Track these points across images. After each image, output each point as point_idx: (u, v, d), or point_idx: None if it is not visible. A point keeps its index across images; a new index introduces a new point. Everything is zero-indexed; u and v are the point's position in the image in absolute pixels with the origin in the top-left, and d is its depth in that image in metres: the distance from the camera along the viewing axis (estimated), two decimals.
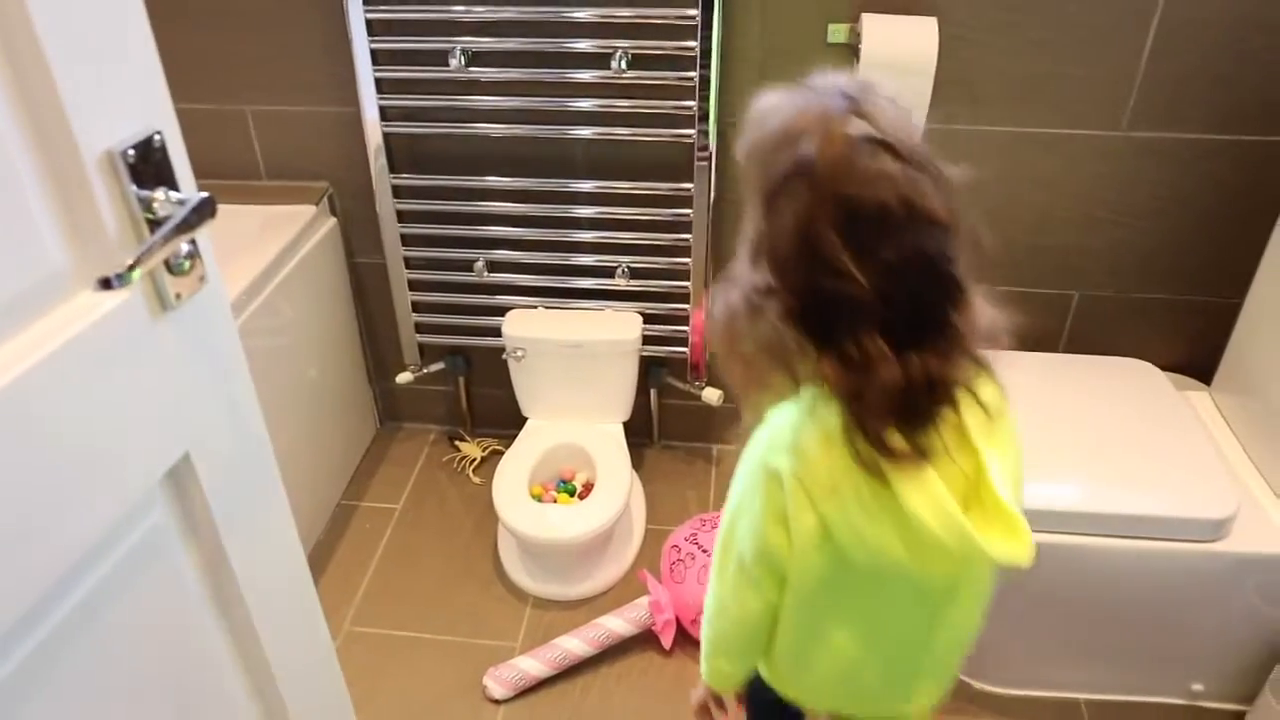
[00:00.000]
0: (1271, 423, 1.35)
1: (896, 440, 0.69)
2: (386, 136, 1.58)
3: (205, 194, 0.60)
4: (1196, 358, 1.66)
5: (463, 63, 1.49)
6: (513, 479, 1.60)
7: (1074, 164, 1.54)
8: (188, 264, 0.63)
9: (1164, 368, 1.53)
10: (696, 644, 1.41)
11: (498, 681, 1.46)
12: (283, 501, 0.80)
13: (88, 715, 0.62)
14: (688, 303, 1.68)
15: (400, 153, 1.63)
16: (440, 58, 1.51)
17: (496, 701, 1.46)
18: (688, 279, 1.66)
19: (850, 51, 1.47)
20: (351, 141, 1.63)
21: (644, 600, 1.51)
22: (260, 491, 0.77)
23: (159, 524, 0.67)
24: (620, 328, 1.65)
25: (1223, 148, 1.50)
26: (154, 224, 0.59)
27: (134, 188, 0.58)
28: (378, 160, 1.60)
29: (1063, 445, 1.32)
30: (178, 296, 0.63)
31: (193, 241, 0.63)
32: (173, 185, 0.61)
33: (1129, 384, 1.45)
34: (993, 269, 1.73)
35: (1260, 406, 1.38)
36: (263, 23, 1.54)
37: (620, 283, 1.67)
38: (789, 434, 0.75)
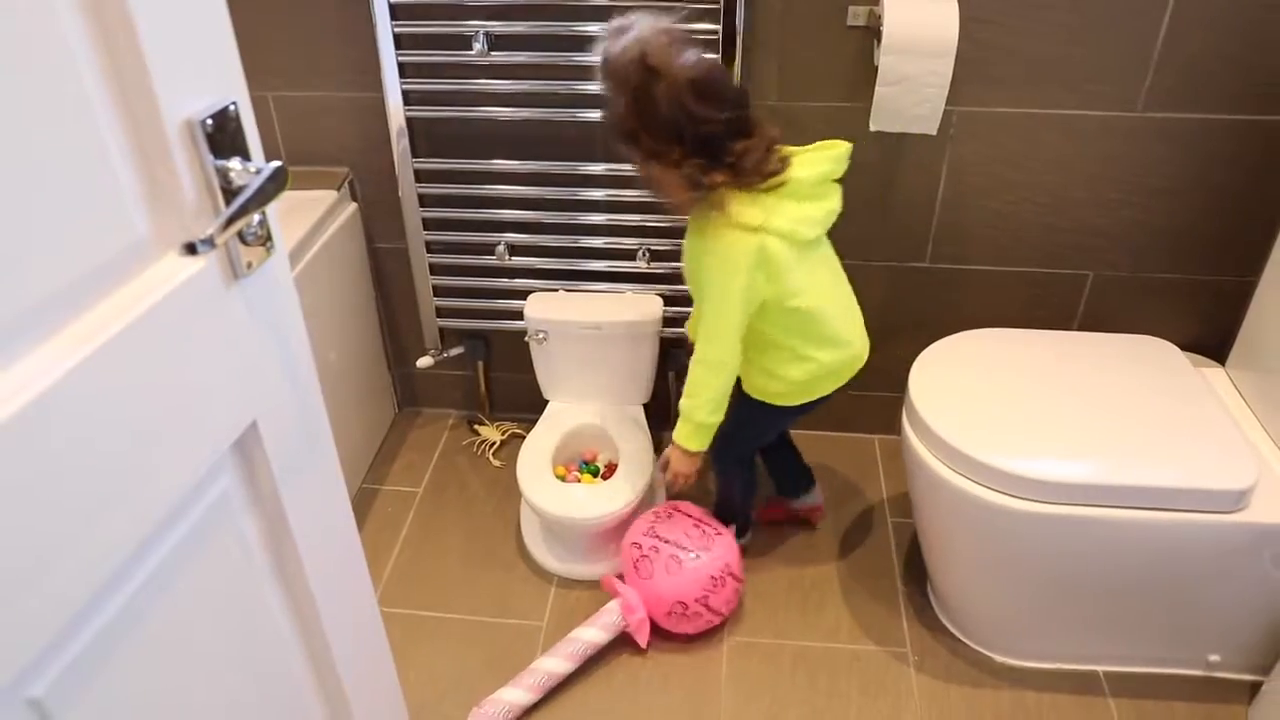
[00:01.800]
0: None
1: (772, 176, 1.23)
2: (408, 120, 1.59)
3: (278, 163, 0.61)
4: (1211, 337, 1.68)
5: (485, 47, 1.50)
6: (536, 459, 1.62)
7: (1090, 145, 1.56)
8: (259, 232, 0.64)
9: (1178, 347, 1.55)
10: (673, 639, 1.50)
11: (480, 716, 1.39)
12: (337, 471, 0.82)
13: (163, 679, 0.63)
14: None
15: (420, 137, 1.64)
16: (463, 41, 1.52)
17: None
18: None
19: (871, 34, 1.49)
20: (373, 126, 1.64)
21: (614, 604, 1.48)
22: (318, 460, 0.78)
23: (227, 491, 0.69)
24: (641, 309, 1.66)
25: (1238, 128, 1.51)
26: (228, 193, 0.61)
27: (211, 157, 0.59)
28: (400, 144, 1.61)
29: (1081, 419, 1.34)
30: (249, 265, 0.64)
31: (263, 210, 0.64)
32: (245, 155, 0.62)
33: (1146, 360, 1.47)
34: (1008, 250, 1.75)
35: (1276, 382, 1.40)
36: (286, 8, 1.55)
37: (641, 265, 1.68)
38: (728, 226, 1.22)
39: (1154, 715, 1.42)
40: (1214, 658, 1.45)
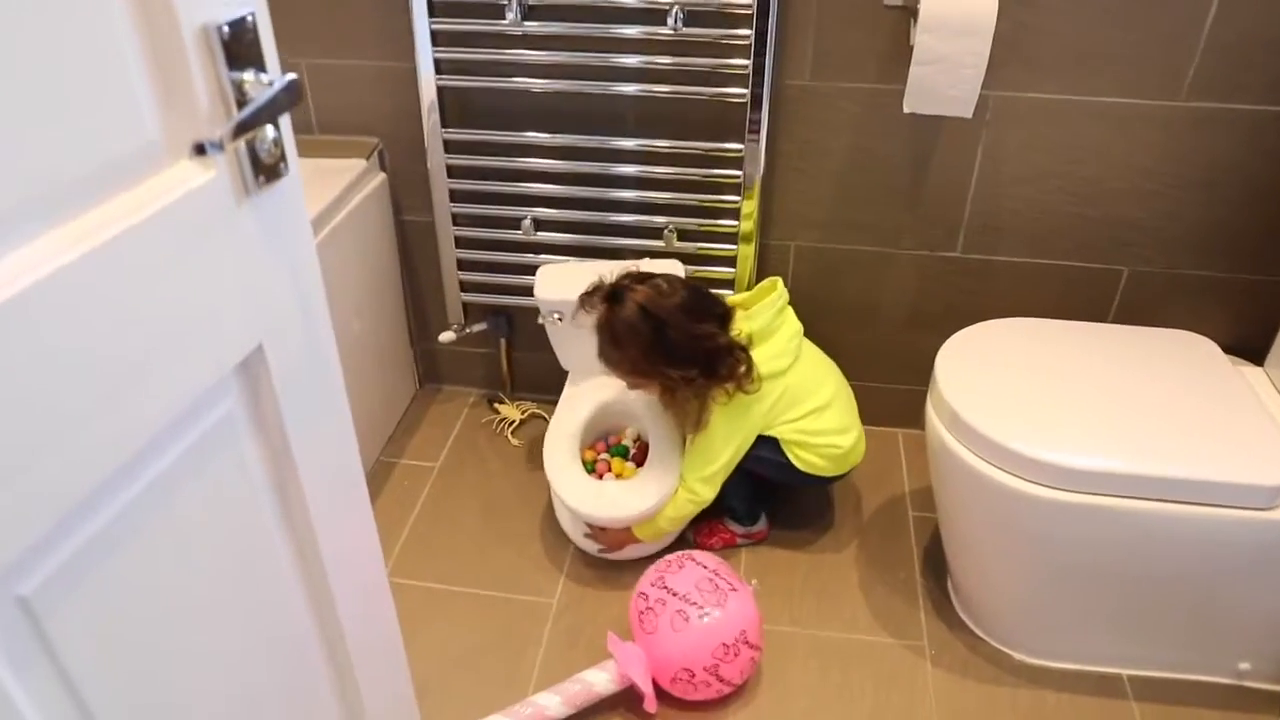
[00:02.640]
0: None
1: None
2: (439, 90, 1.59)
3: (292, 75, 0.61)
4: (1252, 338, 1.62)
5: (518, 16, 1.50)
6: (563, 450, 1.57)
7: (1128, 134, 1.52)
8: (272, 149, 0.64)
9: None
10: (679, 704, 1.37)
11: None
12: (344, 407, 0.81)
13: (156, 597, 0.63)
14: (734, 265, 1.68)
15: (450, 107, 1.64)
16: (496, 11, 1.52)
17: None
18: (735, 241, 1.66)
19: (908, 14, 1.46)
20: (404, 96, 1.64)
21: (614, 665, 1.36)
22: (325, 393, 0.78)
23: (231, 413, 0.68)
24: None
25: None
26: (242, 105, 0.60)
27: (226, 66, 0.59)
28: (430, 115, 1.61)
29: (1111, 410, 1.30)
30: (261, 180, 0.64)
31: (277, 127, 0.64)
32: (261, 68, 0.62)
33: (1181, 355, 1.43)
34: (1041, 242, 1.71)
35: None
36: None
37: (666, 243, 1.67)
38: (752, 398, 1.44)
39: None
40: (1244, 666, 1.40)
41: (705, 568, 1.39)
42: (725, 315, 1.43)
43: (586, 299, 1.42)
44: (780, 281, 1.50)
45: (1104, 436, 1.25)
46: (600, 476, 1.60)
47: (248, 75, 0.60)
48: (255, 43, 0.61)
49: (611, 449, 1.68)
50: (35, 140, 0.48)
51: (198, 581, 0.67)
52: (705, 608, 1.32)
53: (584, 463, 1.60)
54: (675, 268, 1.66)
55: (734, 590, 1.35)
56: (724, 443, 1.47)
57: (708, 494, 1.50)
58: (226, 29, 0.58)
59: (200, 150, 0.55)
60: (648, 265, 1.66)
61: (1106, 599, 1.35)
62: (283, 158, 0.65)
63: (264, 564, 0.75)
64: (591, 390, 1.68)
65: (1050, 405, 1.31)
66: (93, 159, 0.53)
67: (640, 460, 1.62)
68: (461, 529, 1.69)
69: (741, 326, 1.44)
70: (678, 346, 1.37)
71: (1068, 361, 1.41)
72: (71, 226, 0.52)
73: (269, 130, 0.63)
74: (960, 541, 1.45)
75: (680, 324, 1.36)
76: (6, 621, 0.51)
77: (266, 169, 0.64)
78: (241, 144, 0.61)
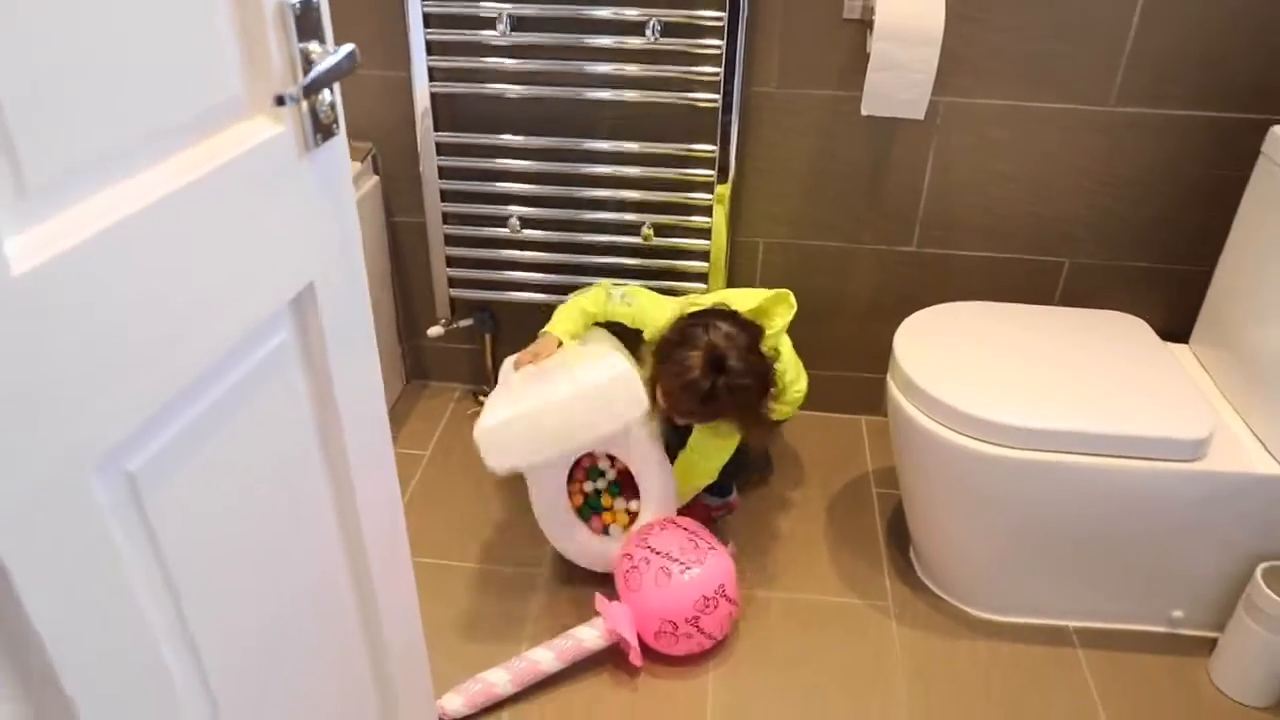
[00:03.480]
0: (1242, 369, 1.47)
1: None
2: (433, 97, 1.71)
3: (351, 46, 0.72)
4: (1181, 323, 1.78)
5: (508, 28, 1.62)
6: (559, 520, 1.56)
7: (1067, 137, 1.68)
8: (329, 111, 0.74)
9: None
10: (663, 659, 1.45)
11: (459, 693, 1.39)
12: (374, 350, 0.91)
13: (226, 489, 0.72)
14: (707, 259, 1.80)
15: (441, 112, 1.75)
16: (487, 22, 1.64)
17: None
18: (708, 238, 1.78)
19: (865, 26, 1.61)
20: (398, 103, 1.75)
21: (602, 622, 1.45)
22: (360, 334, 0.88)
23: (285, 343, 0.78)
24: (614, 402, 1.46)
25: (1200, 124, 1.64)
26: (309, 70, 0.71)
27: (297, 37, 0.70)
28: (424, 120, 1.72)
29: (1051, 377, 1.44)
30: (319, 138, 0.74)
31: (333, 91, 0.74)
32: (323, 40, 0.72)
33: (1115, 332, 1.57)
34: (990, 236, 1.86)
35: (1233, 356, 1.51)
36: None
37: (644, 239, 1.78)
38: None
39: (1121, 665, 1.50)
40: (1177, 614, 1.53)
41: (685, 530, 1.49)
42: (761, 336, 1.48)
43: (691, 382, 1.40)
44: (791, 295, 1.56)
45: (1044, 398, 1.39)
46: (603, 528, 1.61)
47: (313, 45, 0.71)
48: (319, 19, 0.72)
49: (589, 471, 1.63)
50: (151, 90, 0.59)
51: (256, 490, 0.76)
52: (687, 564, 1.42)
53: (576, 511, 1.59)
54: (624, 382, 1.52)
55: (713, 549, 1.46)
56: (726, 450, 1.60)
57: (704, 485, 1.65)
58: (298, 5, 0.69)
59: (280, 101, 0.66)
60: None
61: (1051, 553, 1.48)
62: (336, 119, 0.76)
63: (306, 481, 0.84)
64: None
65: (996, 373, 1.44)
66: (192, 108, 0.63)
67: (624, 477, 1.62)
68: (452, 510, 1.78)
69: (768, 342, 1.49)
70: (766, 377, 1.46)
71: (1013, 337, 1.55)
72: (174, 161, 0.62)
73: (326, 94, 0.74)
74: (919, 504, 1.57)
75: (761, 358, 1.45)
76: (118, 492, 0.60)
77: (324, 128, 0.75)
78: (305, 104, 0.72)
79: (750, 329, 1.47)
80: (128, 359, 0.58)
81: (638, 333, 1.61)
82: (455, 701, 1.39)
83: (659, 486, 1.56)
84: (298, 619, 0.86)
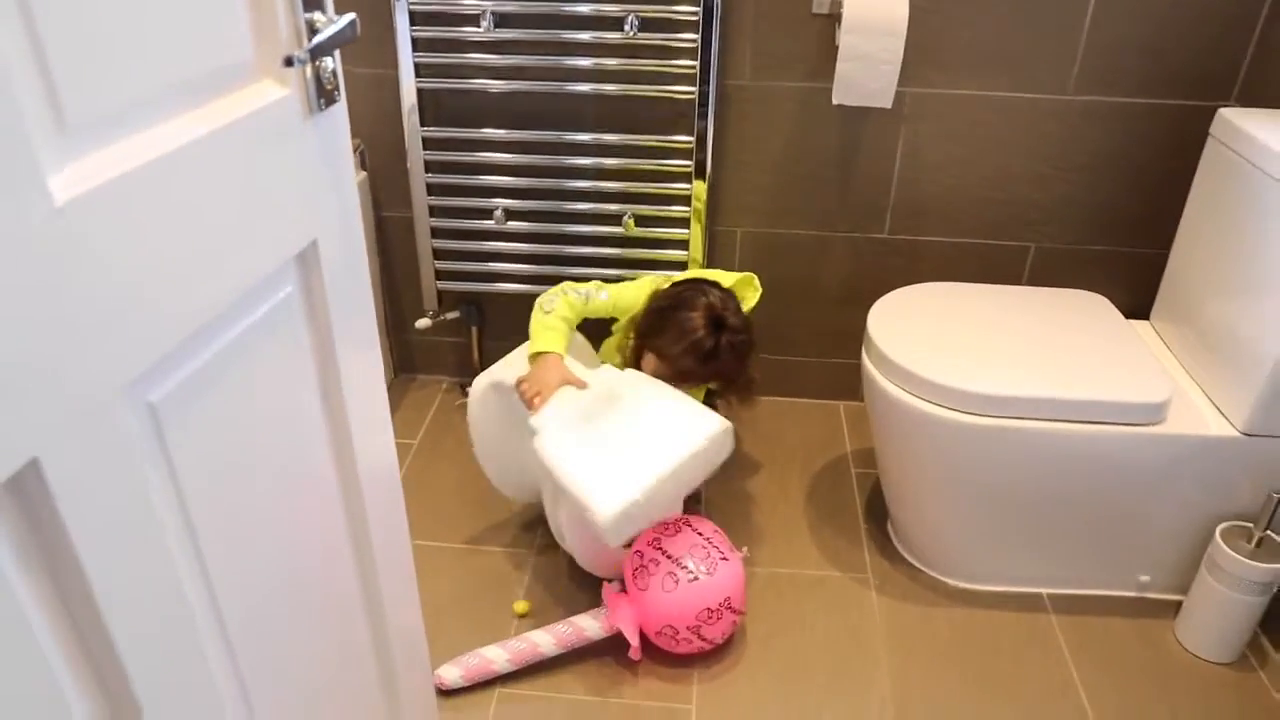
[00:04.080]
0: (1198, 340, 1.55)
1: None
2: (419, 92, 1.76)
3: (352, 15, 0.77)
4: (1143, 304, 1.86)
5: (491, 24, 1.68)
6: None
7: (1028, 125, 1.76)
8: (331, 77, 0.79)
9: None
10: (664, 656, 1.47)
11: (457, 664, 1.43)
12: (372, 314, 0.96)
13: (234, 432, 0.76)
14: (686, 248, 1.86)
15: (427, 108, 1.81)
16: (471, 19, 1.69)
17: (447, 691, 1.43)
18: (687, 226, 1.84)
19: (833, 20, 1.68)
20: (385, 100, 1.80)
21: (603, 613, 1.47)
22: (359, 294, 0.92)
23: (290, 296, 0.82)
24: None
25: (1152, 111, 1.72)
26: (314, 37, 0.76)
27: (302, 7, 0.75)
28: (411, 115, 1.78)
29: (1016, 349, 1.51)
30: (321, 103, 0.79)
31: (334, 60, 0.79)
32: (324, 10, 0.78)
33: (1078, 308, 1.65)
34: (958, 222, 1.94)
35: (1190, 329, 1.58)
36: None
37: (626, 229, 1.84)
38: None
39: (1092, 629, 1.56)
40: (1144, 578, 1.60)
41: (700, 534, 1.47)
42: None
43: (696, 341, 1.48)
44: (757, 279, 1.67)
45: (1010, 368, 1.45)
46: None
47: (317, 15, 0.76)
48: None
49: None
50: (174, 48, 0.64)
51: (262, 436, 0.80)
52: (695, 573, 1.41)
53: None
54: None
55: (724, 559, 1.44)
56: None
57: None
58: None
59: (288, 62, 0.71)
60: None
61: (1023, 522, 1.54)
62: (337, 86, 0.81)
63: (308, 433, 0.88)
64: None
65: (964, 345, 1.51)
66: (208, 66, 0.68)
67: None
68: (442, 494, 1.82)
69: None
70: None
71: (981, 313, 1.61)
72: (193, 114, 0.67)
73: (329, 61, 0.79)
74: (895, 477, 1.63)
75: (750, 326, 1.57)
76: (141, 421, 0.65)
77: (326, 93, 0.80)
78: (310, 69, 0.77)
79: (733, 296, 1.54)
80: (150, 292, 0.62)
81: (604, 322, 1.67)
82: (453, 673, 1.42)
83: None
84: (301, 571, 0.90)
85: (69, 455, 0.56)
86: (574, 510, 1.42)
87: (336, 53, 0.80)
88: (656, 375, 1.52)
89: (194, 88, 0.67)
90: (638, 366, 1.56)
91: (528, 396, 1.45)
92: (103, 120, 0.58)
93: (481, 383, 1.57)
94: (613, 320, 1.67)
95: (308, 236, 0.82)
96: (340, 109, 0.83)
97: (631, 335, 1.59)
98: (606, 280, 1.65)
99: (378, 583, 1.05)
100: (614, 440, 1.41)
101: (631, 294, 1.62)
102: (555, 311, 1.55)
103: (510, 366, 1.55)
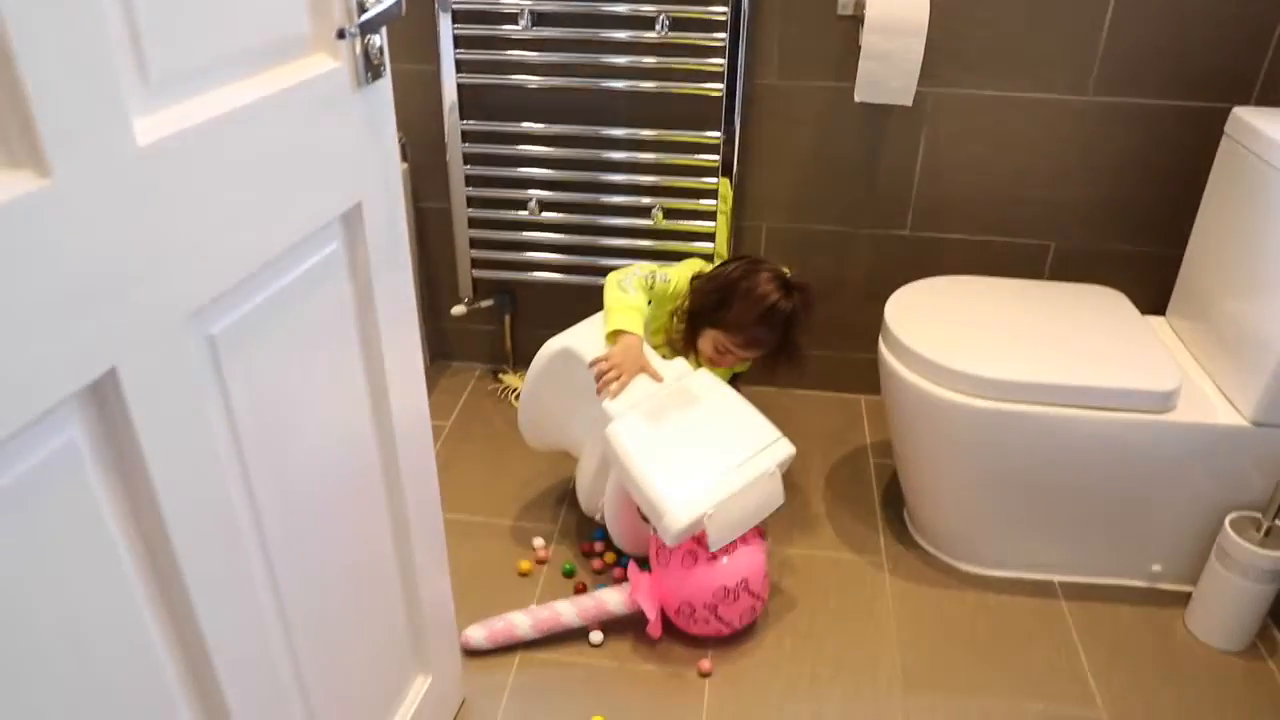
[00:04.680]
0: (1211, 334, 1.57)
1: None
2: (459, 88, 1.85)
3: None
4: (1161, 303, 1.89)
5: (529, 22, 1.76)
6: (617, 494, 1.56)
7: (1048, 125, 1.80)
8: (378, 54, 0.87)
9: None
10: (682, 635, 1.51)
11: (483, 626, 1.49)
12: (410, 278, 1.03)
13: (283, 376, 0.84)
14: (713, 241, 1.93)
15: (466, 103, 1.90)
16: (510, 18, 1.78)
17: (472, 652, 1.49)
18: (714, 219, 1.91)
19: (857, 22, 1.74)
20: (427, 95, 1.89)
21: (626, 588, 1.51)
22: (399, 257, 1.00)
23: (335, 253, 0.90)
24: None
25: (1171, 112, 1.75)
26: (363, 13, 0.84)
27: None
28: (451, 111, 1.87)
29: (1032, 338, 1.55)
30: (369, 76, 0.87)
31: (381, 38, 0.87)
32: None
33: (1094, 303, 1.68)
34: (979, 220, 1.98)
35: (1204, 323, 1.61)
36: None
37: (654, 221, 1.91)
38: None
39: (1101, 616, 1.59)
40: (1156, 568, 1.62)
41: None
42: None
43: (772, 306, 1.56)
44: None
45: (1024, 355, 1.49)
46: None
47: None
48: None
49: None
50: (241, 18, 0.72)
51: (306, 382, 0.88)
52: (715, 553, 1.44)
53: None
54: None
55: (745, 543, 1.46)
56: None
57: None
58: None
59: (341, 35, 0.79)
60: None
61: (1035, 508, 1.57)
62: (384, 63, 0.89)
63: (347, 385, 0.96)
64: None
65: (979, 334, 1.55)
66: (269, 37, 0.76)
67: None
68: (473, 471, 1.90)
69: None
70: None
71: (997, 305, 1.66)
72: (255, 79, 0.75)
73: (376, 39, 0.87)
74: (911, 462, 1.67)
75: None
76: (203, 350, 0.73)
77: (374, 68, 0.88)
78: (359, 44, 0.85)
79: None
80: (213, 233, 0.70)
81: None
82: (479, 634, 1.49)
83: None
84: (337, 505, 0.97)
85: (141, 370, 0.64)
86: (632, 497, 1.47)
87: (384, 31, 0.88)
88: (716, 350, 1.62)
89: (257, 55, 0.75)
90: (692, 349, 1.64)
91: (605, 378, 1.48)
92: (180, 77, 0.66)
93: (554, 345, 1.59)
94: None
95: (353, 198, 0.90)
96: (385, 84, 0.91)
97: (680, 319, 1.65)
98: None
99: (409, 529, 1.13)
100: (691, 445, 1.45)
101: (677, 277, 1.67)
102: (635, 289, 1.58)
103: (583, 337, 1.57)
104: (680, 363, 1.56)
